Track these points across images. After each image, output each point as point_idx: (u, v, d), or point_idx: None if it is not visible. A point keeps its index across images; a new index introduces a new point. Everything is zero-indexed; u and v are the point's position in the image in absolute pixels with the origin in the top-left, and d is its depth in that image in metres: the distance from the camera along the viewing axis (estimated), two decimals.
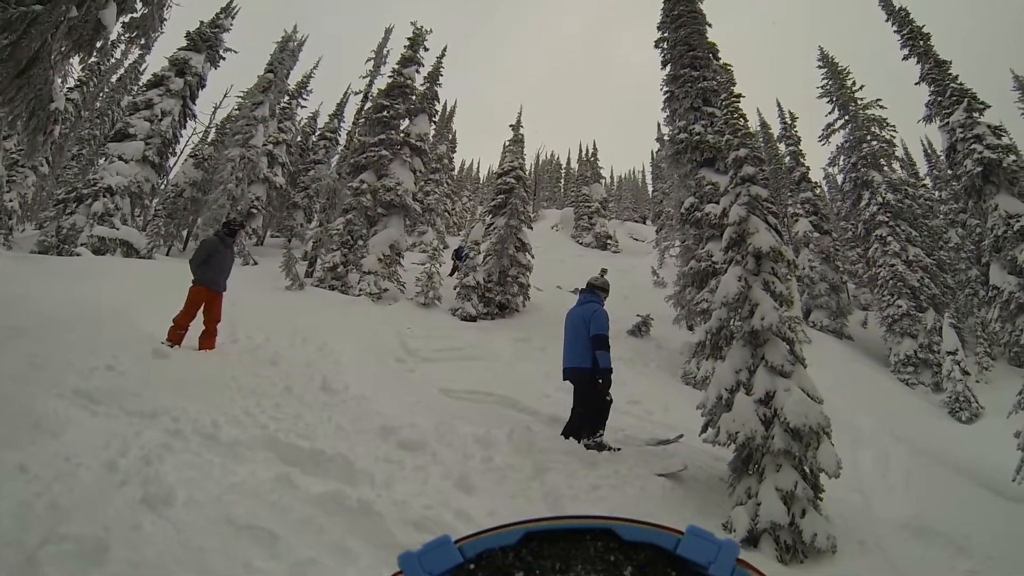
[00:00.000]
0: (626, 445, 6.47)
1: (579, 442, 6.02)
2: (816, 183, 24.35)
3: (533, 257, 16.97)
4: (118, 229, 18.05)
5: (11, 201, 17.94)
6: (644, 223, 42.61)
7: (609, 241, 33.12)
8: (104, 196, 18.19)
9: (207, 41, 22.51)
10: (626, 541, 0.42)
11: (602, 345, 6.35)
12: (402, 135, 18.67)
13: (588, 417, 6.32)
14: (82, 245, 16.62)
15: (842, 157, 21.82)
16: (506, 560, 0.41)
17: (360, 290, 15.20)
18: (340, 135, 27.94)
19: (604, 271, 9.81)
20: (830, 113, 22.37)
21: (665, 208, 26.67)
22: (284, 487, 3.92)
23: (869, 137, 21.22)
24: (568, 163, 54.83)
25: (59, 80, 7.72)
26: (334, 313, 12.18)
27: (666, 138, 15.49)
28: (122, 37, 8.75)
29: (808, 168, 23.66)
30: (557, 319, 7.45)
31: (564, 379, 6.65)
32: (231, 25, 23.59)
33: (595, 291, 7.01)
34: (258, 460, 4.33)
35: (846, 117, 21.98)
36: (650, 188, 45.50)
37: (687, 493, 5.48)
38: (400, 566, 0.40)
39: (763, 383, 5.49)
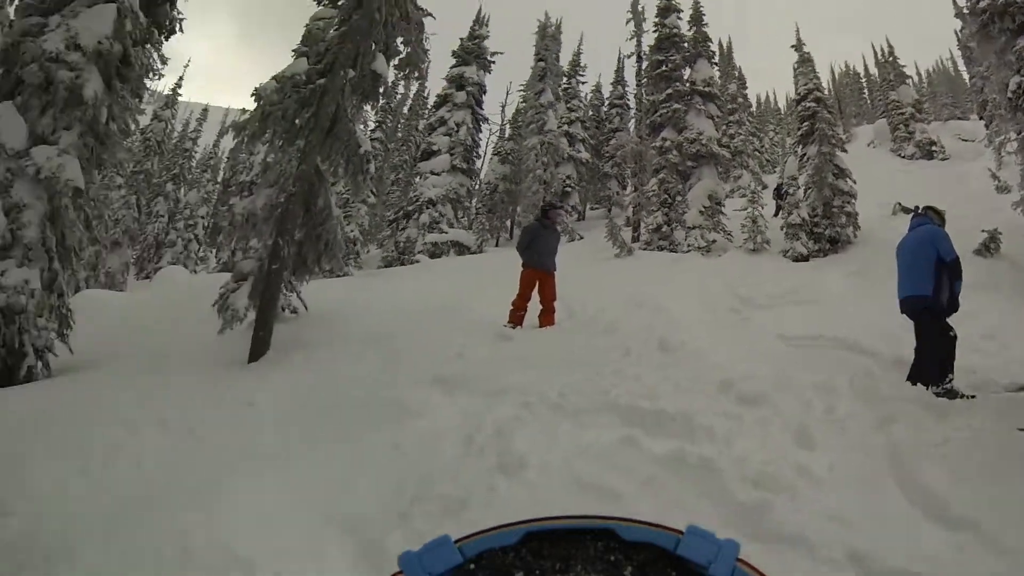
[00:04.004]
0: (980, 391, 5.31)
1: (927, 388, 5.14)
2: None
3: (855, 182, 14.87)
4: (447, 232, 21.05)
5: (352, 231, 21.46)
6: (979, 119, 34.19)
7: (934, 148, 27.09)
8: (427, 208, 21.49)
9: (472, 53, 24.73)
10: (626, 541, 0.42)
11: (958, 273, 5.58)
12: (688, 85, 18.16)
13: (934, 358, 5.42)
14: (419, 252, 19.76)
15: None
16: (506, 560, 0.42)
17: (688, 246, 15.28)
18: (628, 99, 28.16)
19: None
20: None
21: (989, 96, 20.98)
22: (628, 448, 4.05)
23: None
24: (866, 70, 46.53)
25: (360, 127, 9.16)
26: (664, 273, 12.30)
27: (966, 11, 12.07)
28: (398, 76, 10.13)
29: None
30: (892, 248, 6.43)
31: (901, 312, 5.87)
32: (488, 32, 25.43)
33: (929, 213, 6.20)
34: (602, 424, 4.48)
35: None
36: (966, 76, 35.69)
37: None
38: (400, 566, 0.41)
39: None
